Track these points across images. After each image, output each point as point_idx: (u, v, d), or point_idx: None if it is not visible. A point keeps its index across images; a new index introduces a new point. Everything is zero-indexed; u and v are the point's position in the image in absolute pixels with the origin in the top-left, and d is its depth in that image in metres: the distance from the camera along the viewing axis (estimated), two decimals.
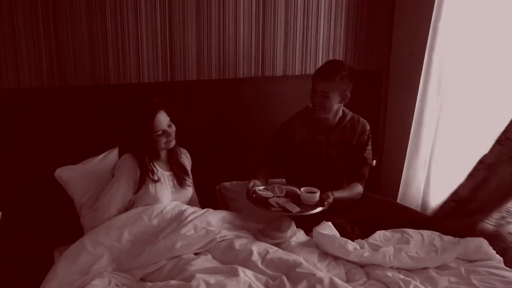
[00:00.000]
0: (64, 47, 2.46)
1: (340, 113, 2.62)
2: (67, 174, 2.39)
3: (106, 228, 2.14)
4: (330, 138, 2.61)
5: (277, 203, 2.34)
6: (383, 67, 3.31)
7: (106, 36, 2.53)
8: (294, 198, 2.41)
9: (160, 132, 2.22)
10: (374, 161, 3.15)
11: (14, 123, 2.40)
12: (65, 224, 2.48)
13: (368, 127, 2.67)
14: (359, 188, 2.63)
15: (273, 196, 2.39)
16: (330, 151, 2.61)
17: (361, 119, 2.68)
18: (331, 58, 3.10)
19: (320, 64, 3.06)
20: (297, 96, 2.85)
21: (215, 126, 2.84)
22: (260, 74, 2.94)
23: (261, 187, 2.45)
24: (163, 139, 2.24)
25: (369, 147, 2.67)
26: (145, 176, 2.23)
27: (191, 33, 2.72)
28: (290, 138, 2.59)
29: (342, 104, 2.58)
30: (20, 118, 2.41)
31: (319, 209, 2.33)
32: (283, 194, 2.42)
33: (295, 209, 2.30)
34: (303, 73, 3.06)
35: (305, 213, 2.30)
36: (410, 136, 3.04)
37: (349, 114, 2.65)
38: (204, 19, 2.73)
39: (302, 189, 2.41)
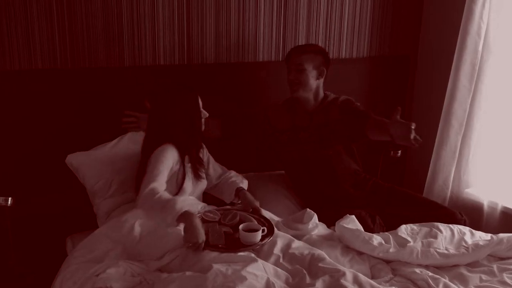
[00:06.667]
0: (77, 28, 2.41)
1: (321, 94, 2.56)
2: (78, 160, 2.33)
3: (119, 220, 2.12)
4: (313, 121, 2.53)
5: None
6: (411, 52, 3.21)
7: (121, 16, 2.48)
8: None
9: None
10: (399, 152, 3.04)
11: (25, 105, 2.36)
12: (77, 212, 2.46)
13: (351, 99, 2.57)
14: None
15: (215, 222, 2.09)
16: (313, 136, 2.53)
17: (344, 96, 2.59)
18: (355, 42, 3.03)
19: (344, 49, 3.01)
20: None
21: (232, 111, 2.73)
22: (280, 58, 2.86)
23: (214, 210, 2.17)
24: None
25: (357, 104, 2.56)
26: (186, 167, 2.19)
27: (210, 14, 2.65)
28: (272, 124, 2.56)
29: (320, 81, 2.50)
30: (31, 101, 2.37)
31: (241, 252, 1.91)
32: (232, 223, 2.09)
33: (216, 241, 1.97)
34: None
35: (218, 250, 1.92)
36: (439, 125, 2.92)
37: (331, 95, 2.59)
38: (223, 0, 2.65)
39: (241, 225, 2.02)
